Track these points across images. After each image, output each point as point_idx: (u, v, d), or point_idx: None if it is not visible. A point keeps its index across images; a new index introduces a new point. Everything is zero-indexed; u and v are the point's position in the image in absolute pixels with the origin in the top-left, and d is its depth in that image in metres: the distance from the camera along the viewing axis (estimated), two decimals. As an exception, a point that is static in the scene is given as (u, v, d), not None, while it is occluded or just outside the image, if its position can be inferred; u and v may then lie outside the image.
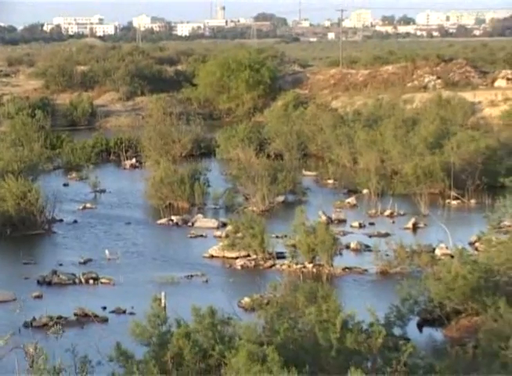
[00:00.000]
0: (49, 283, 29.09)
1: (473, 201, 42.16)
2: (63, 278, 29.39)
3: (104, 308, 26.16)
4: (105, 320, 25.30)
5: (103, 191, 45.96)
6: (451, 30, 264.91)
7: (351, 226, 37.07)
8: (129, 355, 15.61)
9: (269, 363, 14.18)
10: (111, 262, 32.07)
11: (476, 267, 24.17)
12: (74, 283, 29.23)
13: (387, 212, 39.61)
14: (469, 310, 23.34)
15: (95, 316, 25.40)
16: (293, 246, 31.12)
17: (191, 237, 36.10)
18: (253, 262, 31.53)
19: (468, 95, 74.84)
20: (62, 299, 27.41)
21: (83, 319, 25.34)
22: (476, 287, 23.48)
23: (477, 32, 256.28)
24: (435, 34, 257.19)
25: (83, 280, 29.33)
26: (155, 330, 15.57)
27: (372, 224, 37.64)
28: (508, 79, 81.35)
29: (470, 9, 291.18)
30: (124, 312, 25.80)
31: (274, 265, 31.20)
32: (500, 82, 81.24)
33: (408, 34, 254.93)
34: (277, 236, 32.96)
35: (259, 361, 14.36)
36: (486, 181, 44.08)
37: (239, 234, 32.46)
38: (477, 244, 31.50)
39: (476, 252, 28.67)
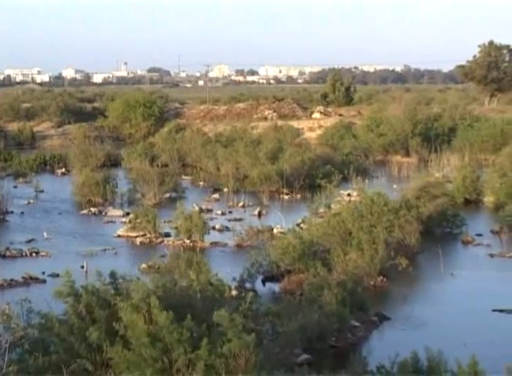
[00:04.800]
0: (4, 256, 28.51)
1: (299, 196, 42.60)
2: (13, 252, 28.86)
3: (43, 273, 25.69)
4: (44, 281, 24.93)
5: (42, 191, 45.06)
6: (282, 79, 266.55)
7: (216, 214, 37.06)
8: (48, 313, 15.29)
9: (152, 309, 14.02)
10: (48, 240, 31.52)
11: (301, 240, 24.42)
12: (22, 255, 28.71)
13: (241, 204, 39.75)
14: (297, 270, 23.54)
15: (37, 279, 25.08)
16: (176, 228, 31.05)
17: (104, 223, 35.70)
18: (148, 240, 31.32)
19: (294, 124, 75.56)
20: (13, 267, 26.80)
21: (28, 281, 24.96)
22: (301, 254, 23.72)
23: (300, 80, 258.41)
24: (272, 81, 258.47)
25: (28, 254, 28.83)
26: (70, 291, 15.33)
27: (230, 212, 37.72)
28: (321, 112, 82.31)
29: (295, 64, 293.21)
30: (58, 275, 25.26)
31: (163, 241, 31.05)
32: (316, 115, 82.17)
33: (253, 82, 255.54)
34: (165, 221, 32.79)
35: (144, 307, 14.21)
36: (308, 182, 44.61)
37: (139, 220, 32.22)
38: (302, 225, 31.79)
39: (301, 230, 28.90)
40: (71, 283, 15.36)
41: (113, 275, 15.64)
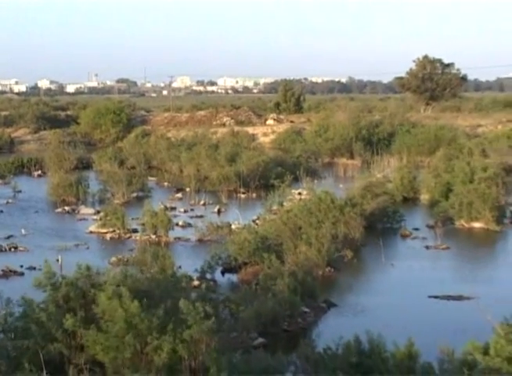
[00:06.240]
0: (-16, 251, 28.20)
1: (254, 195, 42.66)
2: (-7, 248, 28.57)
3: (21, 266, 25.41)
4: (22, 274, 24.65)
5: (20, 191, 44.54)
6: (239, 89, 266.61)
7: (179, 211, 36.97)
8: (31, 299, 15.11)
9: (123, 298, 13.97)
10: (25, 236, 31.16)
11: (257, 235, 24.46)
12: (1, 250, 28.32)
13: (202, 202, 39.67)
14: (253, 262, 23.55)
15: (16, 272, 24.79)
16: (143, 224, 30.90)
17: (77, 220, 35.41)
18: (117, 235, 31.12)
19: (250, 129, 75.68)
20: (-7, 261, 26.51)
21: (8, 273, 24.66)
22: (257, 247, 23.75)
23: (255, 90, 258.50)
24: (230, 91, 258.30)
25: (7, 249, 28.49)
26: (48, 281, 15.19)
27: (192, 210, 37.64)
28: (274, 119, 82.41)
29: (251, 76, 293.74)
30: (35, 268, 25.09)
31: (131, 236, 30.85)
32: (269, 121, 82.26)
33: (213, 92, 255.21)
34: (133, 218, 32.59)
35: (117, 297, 14.14)
36: (262, 182, 44.60)
37: (109, 217, 32.01)
38: (257, 221, 31.84)
39: (256, 226, 28.95)
40: (50, 274, 15.24)
41: (88, 268, 15.54)
